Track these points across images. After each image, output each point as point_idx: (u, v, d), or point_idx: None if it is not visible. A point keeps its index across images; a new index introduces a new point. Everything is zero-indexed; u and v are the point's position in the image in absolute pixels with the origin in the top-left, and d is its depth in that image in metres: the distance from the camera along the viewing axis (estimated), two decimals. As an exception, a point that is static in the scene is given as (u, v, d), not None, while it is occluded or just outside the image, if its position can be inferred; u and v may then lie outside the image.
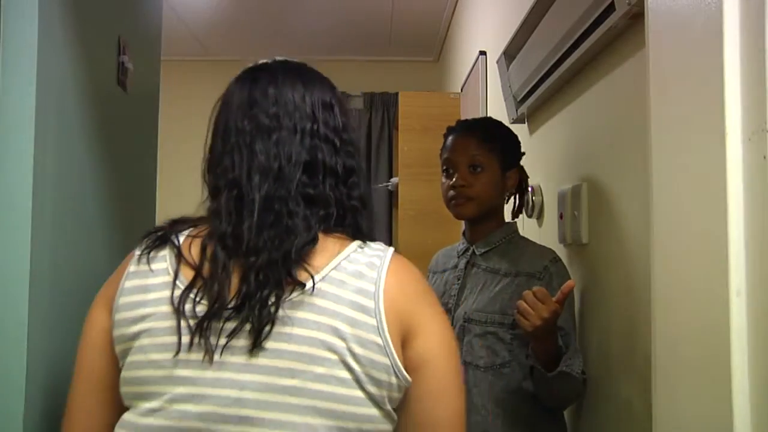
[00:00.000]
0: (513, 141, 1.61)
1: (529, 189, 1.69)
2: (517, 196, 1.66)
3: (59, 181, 1.22)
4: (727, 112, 0.66)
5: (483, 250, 1.55)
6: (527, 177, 1.66)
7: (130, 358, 0.83)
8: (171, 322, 0.81)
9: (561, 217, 1.64)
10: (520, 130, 2.15)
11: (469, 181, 1.52)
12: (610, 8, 1.27)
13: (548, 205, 1.82)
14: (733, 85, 0.67)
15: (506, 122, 2.22)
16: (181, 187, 4.36)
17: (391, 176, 4.34)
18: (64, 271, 1.26)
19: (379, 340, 0.80)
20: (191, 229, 0.90)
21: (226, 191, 0.86)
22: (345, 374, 0.78)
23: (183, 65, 4.48)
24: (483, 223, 1.56)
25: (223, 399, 0.78)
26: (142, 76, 1.65)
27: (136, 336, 0.83)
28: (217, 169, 0.89)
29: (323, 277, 0.82)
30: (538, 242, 1.58)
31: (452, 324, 1.51)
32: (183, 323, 0.80)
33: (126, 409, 0.85)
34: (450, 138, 1.60)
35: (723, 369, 0.66)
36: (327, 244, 0.85)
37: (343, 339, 0.79)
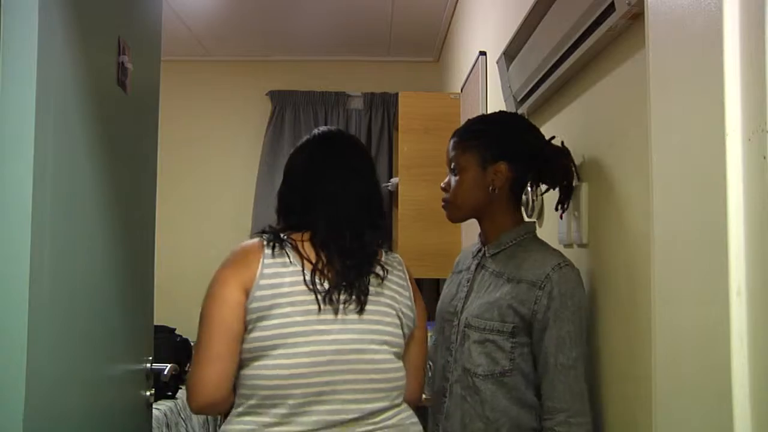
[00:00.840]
0: (499, 132, 1.50)
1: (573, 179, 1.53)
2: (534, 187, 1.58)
3: (59, 181, 1.22)
4: (727, 112, 0.67)
5: (493, 252, 1.49)
6: (560, 163, 1.50)
7: (267, 322, 1.28)
8: (307, 296, 1.31)
9: (561, 217, 1.64)
10: (520, 131, 2.15)
11: (449, 186, 1.52)
12: (610, 9, 1.27)
13: (548, 205, 1.82)
14: (733, 85, 0.67)
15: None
16: (181, 187, 4.38)
17: (390, 176, 4.34)
18: (64, 270, 1.26)
19: (410, 304, 1.44)
20: (291, 234, 1.38)
21: (322, 212, 1.39)
22: (397, 322, 1.39)
23: (183, 65, 4.48)
24: (485, 223, 1.52)
25: (346, 341, 1.32)
26: (142, 76, 1.64)
27: (274, 306, 1.28)
28: (303, 195, 1.41)
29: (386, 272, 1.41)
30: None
31: (457, 328, 1.48)
32: (318, 297, 1.31)
33: (240, 360, 1.31)
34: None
35: (723, 369, 0.66)
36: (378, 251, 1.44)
37: (397, 303, 1.41)
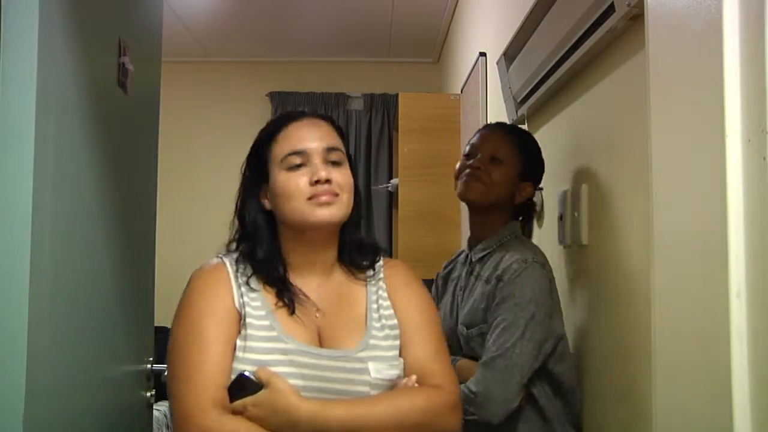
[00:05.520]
0: (539, 157, 1.59)
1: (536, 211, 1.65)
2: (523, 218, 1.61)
3: (59, 181, 1.22)
4: (727, 113, 0.67)
5: (479, 256, 1.52)
6: (537, 202, 1.61)
7: None
8: None
9: (561, 218, 1.64)
10: (520, 132, 2.15)
11: (487, 168, 1.51)
12: (610, 9, 1.27)
13: (548, 206, 1.82)
14: (732, 85, 0.67)
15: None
16: (181, 187, 4.38)
17: (390, 177, 4.34)
18: (64, 270, 1.26)
19: None
20: None
21: None
22: None
23: (183, 66, 4.48)
24: (484, 221, 1.53)
25: None
26: (143, 77, 1.64)
27: None
28: None
29: None
30: (536, 243, 1.58)
31: (457, 338, 1.49)
32: None
33: None
34: (481, 130, 1.61)
35: (723, 369, 0.66)
36: None
37: None
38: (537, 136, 1.96)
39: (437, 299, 1.65)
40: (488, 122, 1.57)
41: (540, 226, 1.89)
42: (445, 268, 1.69)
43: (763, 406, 0.63)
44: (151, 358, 1.76)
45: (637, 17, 1.19)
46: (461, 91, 3.37)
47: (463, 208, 3.32)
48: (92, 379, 1.43)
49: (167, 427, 2.98)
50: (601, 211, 1.46)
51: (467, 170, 1.52)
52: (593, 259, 1.50)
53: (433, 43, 4.39)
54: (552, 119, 1.82)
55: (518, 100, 2.02)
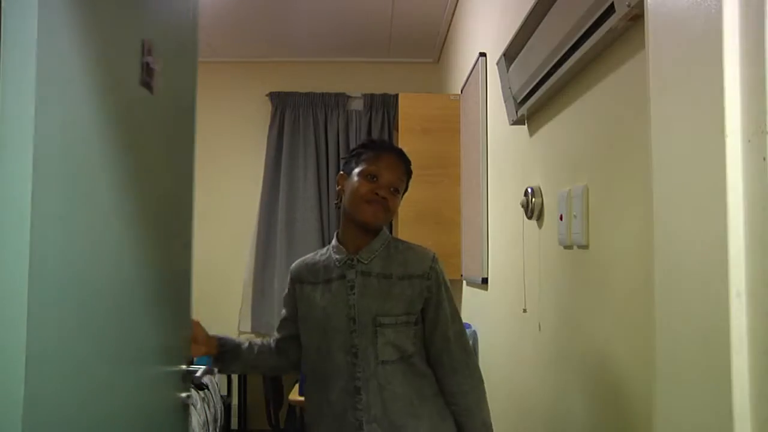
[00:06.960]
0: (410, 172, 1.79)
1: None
2: None
3: (63, 181, 1.22)
4: (726, 114, 0.67)
5: (369, 258, 1.70)
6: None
7: None
8: None
9: (561, 218, 1.64)
10: (520, 132, 2.15)
11: (391, 198, 1.69)
12: (610, 10, 1.27)
13: (548, 206, 1.82)
14: (732, 86, 0.67)
15: (506, 124, 2.22)
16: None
17: (391, 178, 4.35)
18: (89, 280, 1.26)
19: None
20: None
21: None
22: None
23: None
24: (369, 234, 1.72)
25: None
26: (173, 76, 1.61)
27: None
28: None
29: None
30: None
31: (362, 328, 1.63)
32: None
33: None
34: (385, 155, 1.72)
35: (723, 370, 0.66)
36: None
37: None
38: (537, 137, 1.97)
39: (304, 298, 1.74)
40: (389, 141, 1.77)
41: (540, 226, 1.89)
42: (304, 269, 1.79)
43: (763, 407, 0.63)
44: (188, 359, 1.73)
45: (637, 17, 1.19)
46: (461, 92, 3.37)
47: (461, 208, 3.32)
48: (124, 380, 1.41)
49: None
50: (601, 212, 1.46)
51: (374, 196, 1.68)
52: (593, 260, 1.50)
53: (433, 44, 4.39)
54: (552, 119, 1.82)
55: (518, 101, 2.02)
